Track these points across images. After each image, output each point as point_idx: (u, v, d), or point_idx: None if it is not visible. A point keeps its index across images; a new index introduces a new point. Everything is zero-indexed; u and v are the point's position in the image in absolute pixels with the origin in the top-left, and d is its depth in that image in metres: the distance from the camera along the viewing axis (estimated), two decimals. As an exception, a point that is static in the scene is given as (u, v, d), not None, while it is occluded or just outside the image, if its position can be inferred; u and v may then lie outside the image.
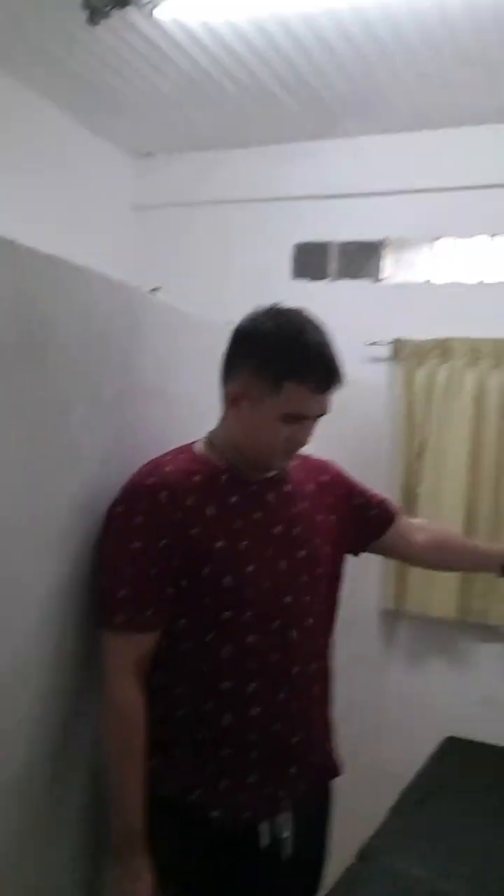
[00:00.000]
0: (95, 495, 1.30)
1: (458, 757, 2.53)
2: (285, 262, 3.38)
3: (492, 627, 2.92)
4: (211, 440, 1.39)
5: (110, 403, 1.37)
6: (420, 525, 1.77)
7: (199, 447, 1.39)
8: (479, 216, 3.08)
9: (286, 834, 1.34)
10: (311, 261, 3.35)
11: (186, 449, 1.38)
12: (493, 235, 3.07)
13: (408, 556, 1.74)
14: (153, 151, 3.61)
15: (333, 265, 3.31)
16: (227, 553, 1.29)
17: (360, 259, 3.28)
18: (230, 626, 1.29)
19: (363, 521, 1.58)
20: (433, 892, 1.78)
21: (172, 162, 3.60)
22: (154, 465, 1.32)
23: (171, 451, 1.37)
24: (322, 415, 1.33)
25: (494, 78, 2.71)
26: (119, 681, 1.26)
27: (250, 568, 1.31)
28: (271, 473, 1.40)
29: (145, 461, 1.36)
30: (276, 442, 1.31)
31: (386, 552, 1.71)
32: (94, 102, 3.10)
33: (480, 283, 3.07)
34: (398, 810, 2.17)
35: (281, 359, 1.26)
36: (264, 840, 1.32)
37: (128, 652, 1.26)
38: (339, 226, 3.30)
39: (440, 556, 1.71)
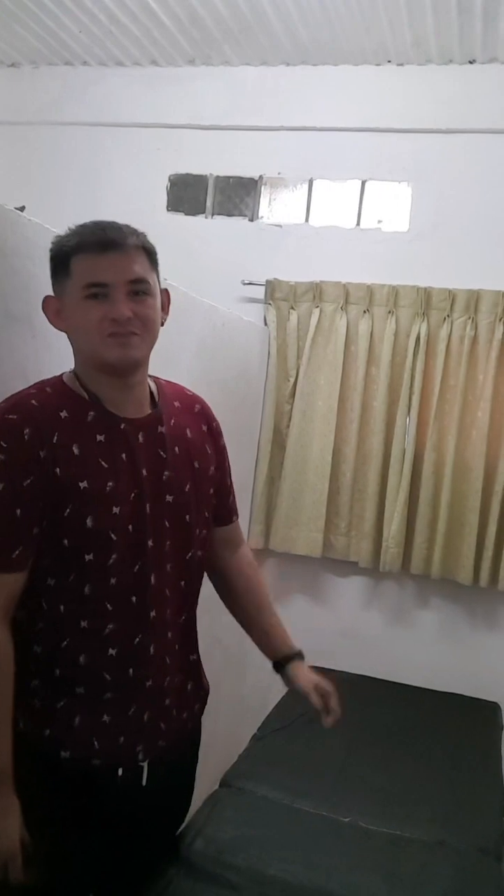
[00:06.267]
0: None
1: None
2: (160, 194, 3.26)
3: (352, 563, 3.04)
4: (75, 371, 1.34)
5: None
6: (246, 556, 1.66)
7: (68, 378, 1.33)
8: (353, 160, 3.08)
9: (143, 764, 1.36)
10: (186, 194, 3.26)
11: (53, 381, 1.32)
12: (365, 180, 3.09)
13: (210, 567, 1.58)
14: (19, 62, 3.35)
15: (210, 200, 3.24)
16: (92, 494, 1.26)
17: (237, 195, 3.22)
18: (92, 567, 1.28)
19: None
20: (287, 812, 1.88)
21: (40, 76, 3.36)
22: (18, 400, 1.26)
23: (36, 384, 1.31)
24: (130, 281, 1.26)
25: (375, 18, 2.69)
26: None
27: (115, 510, 1.28)
28: (145, 414, 1.36)
29: (8, 393, 1.29)
30: (92, 325, 1.26)
31: None
32: (-48, -1, 2.82)
33: (355, 227, 3.10)
34: (259, 738, 2.26)
35: (63, 245, 1.27)
36: (119, 778, 1.33)
37: None
38: (215, 159, 3.21)
39: (232, 598, 1.62)
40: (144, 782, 1.36)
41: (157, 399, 1.40)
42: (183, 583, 1.42)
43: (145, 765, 1.36)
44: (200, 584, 1.52)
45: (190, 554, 1.43)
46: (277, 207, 3.19)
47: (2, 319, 1.35)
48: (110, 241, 1.25)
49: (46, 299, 1.32)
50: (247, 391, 2.86)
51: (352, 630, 3.09)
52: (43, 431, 1.22)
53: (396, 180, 3.05)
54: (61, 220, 1.59)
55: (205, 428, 1.49)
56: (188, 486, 1.41)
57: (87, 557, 1.27)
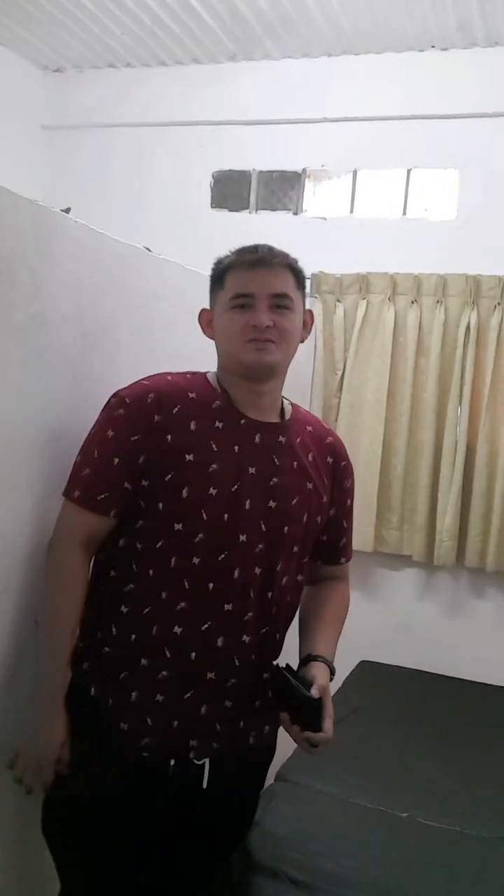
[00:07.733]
0: None
1: (371, 680, 2.63)
2: (204, 191, 3.27)
3: (405, 557, 3.01)
4: (216, 372, 1.43)
5: (19, 328, 1.30)
6: (344, 589, 1.70)
7: (211, 374, 1.43)
8: (398, 148, 3.04)
9: (200, 763, 1.35)
10: (230, 190, 3.26)
11: (197, 372, 1.43)
12: (410, 169, 3.05)
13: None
14: (64, 67, 3.40)
15: (254, 195, 3.23)
16: (194, 469, 1.33)
17: (281, 190, 3.21)
18: (179, 540, 1.33)
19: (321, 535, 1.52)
20: (344, 807, 1.86)
21: (84, 79, 3.40)
22: (158, 374, 1.39)
23: (184, 371, 1.42)
24: (273, 295, 1.34)
25: (417, 2, 2.65)
26: (66, 546, 1.34)
27: (212, 491, 1.33)
28: (272, 420, 1.41)
29: (54, 390, 1.38)
30: (235, 331, 1.35)
31: None
32: (1, 10, 2.87)
33: (401, 217, 3.06)
34: (315, 733, 2.24)
35: (222, 262, 1.40)
36: (172, 770, 1.34)
37: (78, 524, 1.33)
38: (258, 154, 3.21)
39: (307, 599, 1.57)
40: (205, 784, 1.35)
41: (287, 416, 1.46)
42: (270, 594, 1.41)
43: (205, 764, 1.36)
44: (292, 607, 1.49)
45: (280, 566, 1.42)
46: (321, 200, 3.17)
47: (51, 319, 1.37)
48: (260, 259, 1.37)
49: (202, 311, 1.43)
50: (293, 386, 2.84)
51: (406, 624, 3.06)
52: (165, 400, 1.33)
53: (443, 167, 3.00)
54: (107, 222, 1.61)
55: (330, 460, 1.51)
56: (295, 501, 1.42)
57: (177, 527, 1.32)
